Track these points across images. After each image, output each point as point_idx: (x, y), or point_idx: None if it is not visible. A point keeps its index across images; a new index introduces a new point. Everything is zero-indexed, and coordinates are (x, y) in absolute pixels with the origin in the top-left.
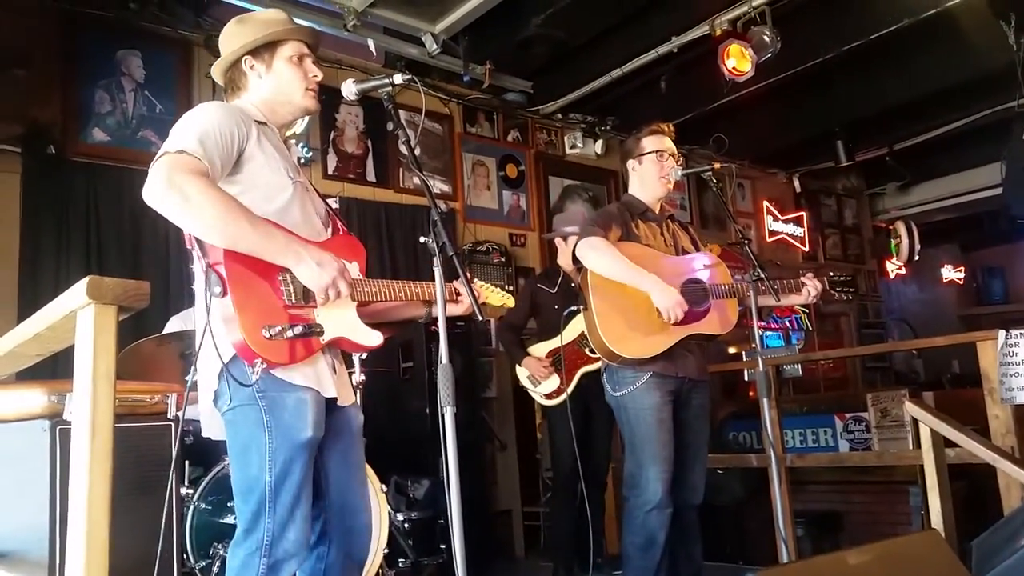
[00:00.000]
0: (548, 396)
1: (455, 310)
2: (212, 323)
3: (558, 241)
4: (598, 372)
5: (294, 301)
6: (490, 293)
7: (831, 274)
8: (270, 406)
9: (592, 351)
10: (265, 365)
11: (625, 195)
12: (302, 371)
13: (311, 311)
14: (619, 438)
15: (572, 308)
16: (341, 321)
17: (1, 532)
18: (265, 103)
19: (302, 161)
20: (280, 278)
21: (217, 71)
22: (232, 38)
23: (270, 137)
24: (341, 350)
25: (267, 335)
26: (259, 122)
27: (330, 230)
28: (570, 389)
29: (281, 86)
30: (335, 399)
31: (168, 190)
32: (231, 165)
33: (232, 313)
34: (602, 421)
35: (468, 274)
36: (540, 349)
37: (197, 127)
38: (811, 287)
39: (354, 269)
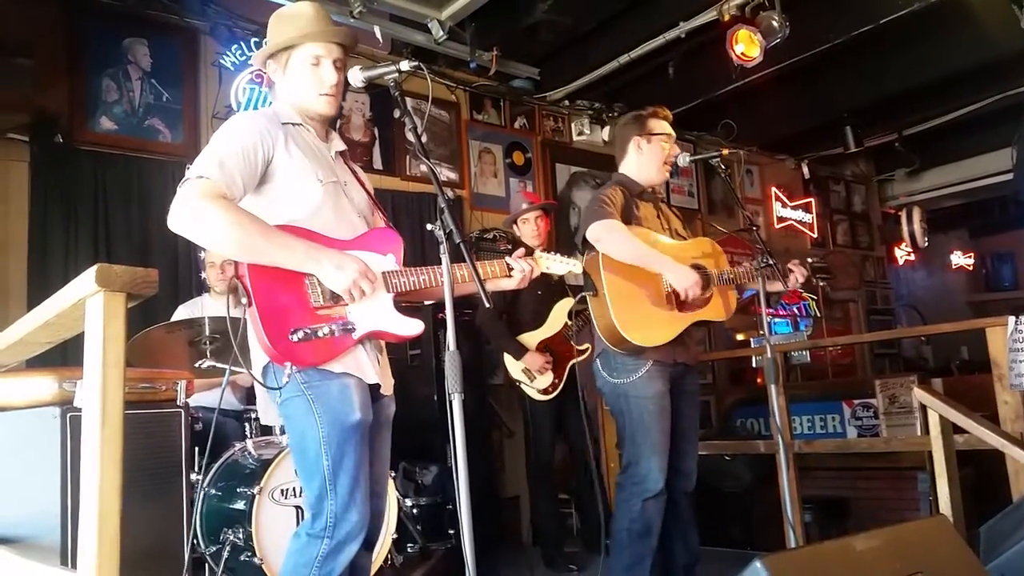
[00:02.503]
0: (544, 391)
1: (507, 284)
2: (248, 331)
3: (519, 221)
4: (575, 365)
5: (323, 302)
6: (552, 262)
7: (809, 260)
8: (316, 395)
9: (578, 342)
10: (296, 367)
11: (618, 174)
12: (342, 361)
13: (343, 309)
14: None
15: (582, 293)
16: (375, 314)
17: (13, 518)
18: (292, 104)
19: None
20: (307, 282)
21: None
22: (268, 35)
23: (301, 139)
24: (383, 340)
25: (295, 339)
26: (294, 123)
27: (375, 220)
28: (562, 384)
29: (297, 90)
30: (378, 386)
31: (188, 217)
32: (258, 179)
33: (258, 322)
34: (577, 409)
35: (475, 260)
36: (531, 340)
37: (218, 150)
38: (797, 274)
39: (389, 261)
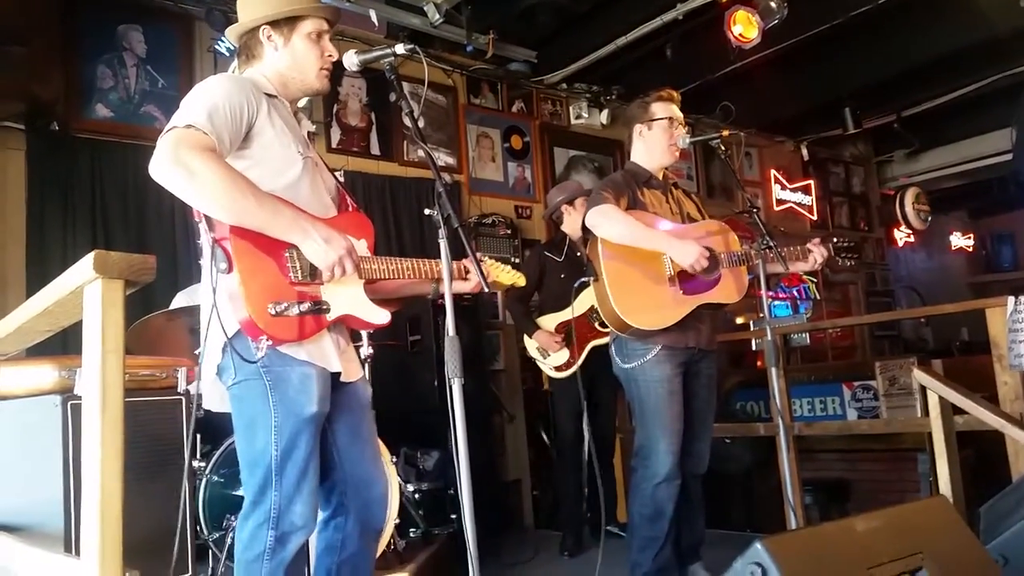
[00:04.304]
0: (558, 368)
1: (464, 287)
2: (217, 299)
3: (565, 208)
4: (605, 346)
5: (300, 278)
6: (500, 272)
7: (835, 240)
8: (275, 381)
9: (602, 324)
10: (271, 342)
11: (628, 163)
12: (307, 347)
13: (317, 288)
14: (628, 409)
15: (583, 280)
16: (348, 298)
17: (16, 506)
18: (278, 76)
19: (313, 132)
20: (287, 254)
21: (232, 35)
22: (252, 2)
23: (280, 111)
24: (348, 327)
25: (273, 312)
26: (270, 95)
27: (339, 206)
28: (579, 363)
29: (296, 62)
30: (340, 374)
31: (174, 165)
32: (240, 140)
33: (237, 289)
34: (607, 392)
35: (475, 248)
36: (549, 321)
37: (207, 101)
38: (817, 254)
39: (362, 246)
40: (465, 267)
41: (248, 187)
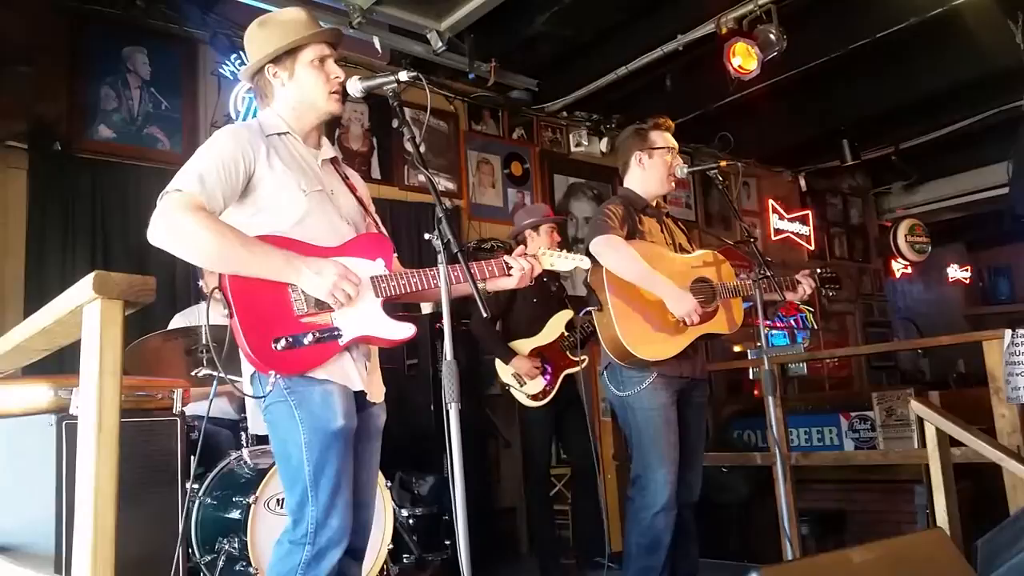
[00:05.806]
0: (534, 397)
1: (507, 283)
2: (228, 340)
3: (529, 233)
4: (574, 375)
5: (307, 309)
6: (556, 259)
7: (819, 271)
8: (299, 401)
9: (572, 352)
10: (279, 375)
11: (623, 189)
12: (326, 368)
13: (328, 315)
14: (623, 438)
15: (587, 308)
16: (363, 319)
17: (8, 526)
18: (291, 111)
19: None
20: (291, 290)
21: (245, 78)
22: (254, 44)
23: (284, 150)
24: (372, 346)
25: (278, 347)
26: (280, 133)
27: (366, 226)
28: (555, 391)
29: (304, 94)
30: (364, 393)
31: (165, 228)
32: (240, 191)
33: (239, 332)
34: (578, 421)
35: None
36: (523, 347)
37: (199, 164)
38: (806, 285)
39: (379, 266)
40: (507, 263)
41: (236, 238)
